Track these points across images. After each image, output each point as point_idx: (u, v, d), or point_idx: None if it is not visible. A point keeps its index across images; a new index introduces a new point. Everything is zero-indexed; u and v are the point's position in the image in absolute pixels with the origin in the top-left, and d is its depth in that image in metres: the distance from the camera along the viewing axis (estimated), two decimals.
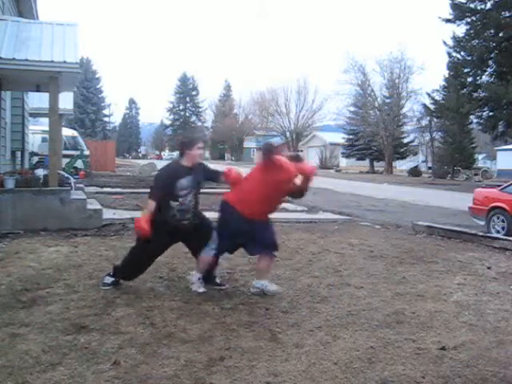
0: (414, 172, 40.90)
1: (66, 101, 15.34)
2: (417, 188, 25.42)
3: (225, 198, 5.04)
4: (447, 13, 28.80)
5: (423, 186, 27.17)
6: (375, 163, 48.37)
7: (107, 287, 4.94)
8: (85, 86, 72.29)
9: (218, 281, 5.23)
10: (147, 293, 4.89)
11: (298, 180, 5.00)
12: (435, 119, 37.72)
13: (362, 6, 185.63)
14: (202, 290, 4.94)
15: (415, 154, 50.48)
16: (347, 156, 53.18)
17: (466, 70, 28.46)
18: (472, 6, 27.55)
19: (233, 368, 3.28)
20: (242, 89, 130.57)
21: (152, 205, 4.70)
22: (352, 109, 48.45)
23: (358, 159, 51.06)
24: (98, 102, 77.84)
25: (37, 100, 15.52)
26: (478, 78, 28.50)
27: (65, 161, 17.96)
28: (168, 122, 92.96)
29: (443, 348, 3.71)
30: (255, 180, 4.92)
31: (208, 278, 5.13)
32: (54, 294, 4.77)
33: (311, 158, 56.65)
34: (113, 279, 5.01)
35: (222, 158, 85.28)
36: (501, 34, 26.40)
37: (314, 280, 5.55)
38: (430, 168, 42.54)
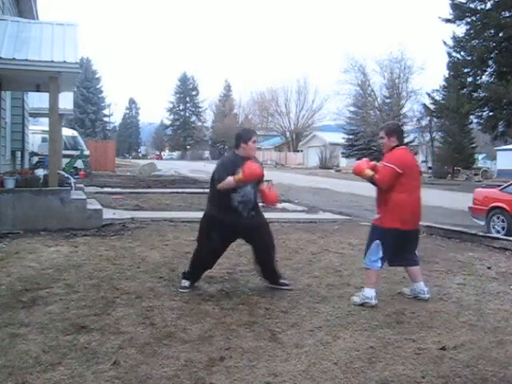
0: None
1: (66, 101, 15.34)
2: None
3: None
4: (447, 13, 28.80)
5: (423, 186, 27.01)
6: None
7: (186, 290, 4.95)
8: (85, 85, 72.35)
9: (282, 281, 5.23)
10: (147, 293, 4.89)
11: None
12: (435, 119, 37.72)
13: (362, 6, 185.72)
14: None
15: (415, 154, 50.40)
16: (347, 156, 53.19)
17: (466, 70, 28.43)
18: (472, 5, 27.53)
19: (233, 368, 3.28)
20: (242, 89, 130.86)
21: (226, 180, 4.71)
22: (352, 109, 48.52)
23: (358, 159, 50.71)
24: (98, 102, 77.92)
25: (37, 100, 15.53)
26: (478, 77, 28.47)
27: (65, 161, 17.96)
28: (168, 122, 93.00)
29: (443, 348, 3.71)
30: None
31: (273, 278, 5.18)
32: (54, 294, 4.77)
33: (311, 158, 56.68)
34: (189, 282, 5.04)
35: None
36: (501, 34, 26.38)
37: (313, 280, 5.55)
38: (430, 168, 42.53)
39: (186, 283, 5.04)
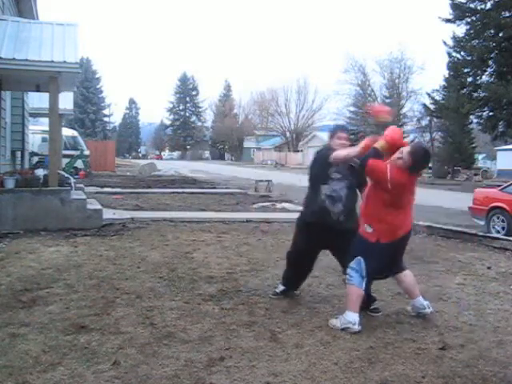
0: None
1: (66, 101, 15.34)
2: (417, 188, 25.35)
3: None
4: (447, 13, 28.85)
5: (423, 186, 27.14)
6: None
7: (275, 296, 4.83)
8: (85, 86, 72.37)
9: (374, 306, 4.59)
10: (147, 293, 4.89)
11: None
12: (435, 119, 37.72)
13: (362, 5, 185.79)
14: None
15: None
16: None
17: (466, 70, 28.46)
18: (472, 5, 27.56)
19: (233, 368, 3.28)
20: (242, 89, 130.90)
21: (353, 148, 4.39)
22: (352, 109, 48.50)
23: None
24: (98, 102, 77.96)
25: (37, 100, 15.53)
26: (478, 77, 28.50)
27: (65, 161, 17.96)
28: (168, 122, 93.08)
29: (443, 348, 3.71)
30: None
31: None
32: (54, 294, 4.77)
33: (311, 158, 56.68)
34: (283, 288, 4.89)
35: (221, 158, 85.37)
36: (501, 34, 26.41)
37: (313, 280, 5.53)
38: (429, 168, 42.50)
39: (280, 288, 4.91)
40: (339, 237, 4.40)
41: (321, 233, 4.48)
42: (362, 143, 4.25)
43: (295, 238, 4.91)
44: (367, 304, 4.43)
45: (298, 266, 4.86)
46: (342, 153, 4.34)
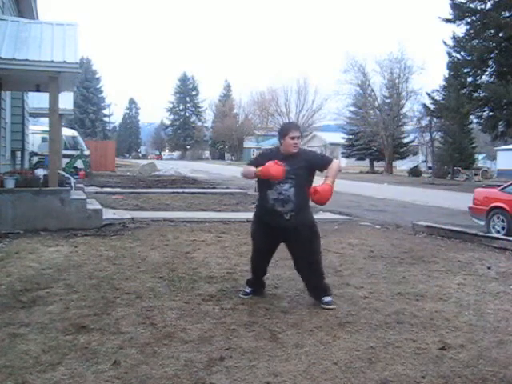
0: (414, 172, 40.93)
1: (66, 101, 15.36)
2: (417, 188, 25.42)
3: None
4: (447, 13, 28.81)
5: (423, 186, 27.17)
6: (375, 163, 48.38)
7: (245, 296, 4.85)
8: (85, 85, 72.40)
9: (326, 299, 4.68)
10: (147, 293, 4.89)
11: None
12: (435, 119, 37.71)
13: (361, 5, 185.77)
14: None
15: (415, 154, 50.47)
16: (347, 156, 53.16)
17: (466, 70, 28.43)
18: (472, 5, 27.52)
19: (233, 368, 3.28)
20: (242, 89, 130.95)
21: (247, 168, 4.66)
22: (352, 109, 48.45)
23: (358, 159, 51.05)
24: (98, 102, 77.98)
25: (37, 100, 15.55)
26: (478, 77, 28.48)
27: (65, 161, 17.97)
28: (168, 122, 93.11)
29: (443, 348, 3.71)
30: None
31: (315, 293, 4.80)
32: (54, 294, 4.77)
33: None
34: (250, 288, 4.93)
35: (221, 157, 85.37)
36: (501, 34, 26.37)
37: None
38: (429, 168, 42.56)
39: (246, 289, 4.94)
40: (292, 232, 4.63)
41: (274, 229, 4.64)
42: (259, 169, 4.46)
43: (251, 236, 5.00)
44: (317, 297, 4.70)
45: (257, 264, 4.94)
46: (245, 171, 4.70)
